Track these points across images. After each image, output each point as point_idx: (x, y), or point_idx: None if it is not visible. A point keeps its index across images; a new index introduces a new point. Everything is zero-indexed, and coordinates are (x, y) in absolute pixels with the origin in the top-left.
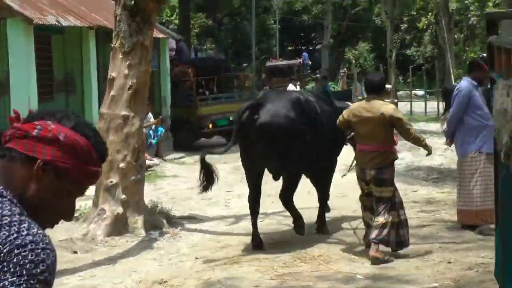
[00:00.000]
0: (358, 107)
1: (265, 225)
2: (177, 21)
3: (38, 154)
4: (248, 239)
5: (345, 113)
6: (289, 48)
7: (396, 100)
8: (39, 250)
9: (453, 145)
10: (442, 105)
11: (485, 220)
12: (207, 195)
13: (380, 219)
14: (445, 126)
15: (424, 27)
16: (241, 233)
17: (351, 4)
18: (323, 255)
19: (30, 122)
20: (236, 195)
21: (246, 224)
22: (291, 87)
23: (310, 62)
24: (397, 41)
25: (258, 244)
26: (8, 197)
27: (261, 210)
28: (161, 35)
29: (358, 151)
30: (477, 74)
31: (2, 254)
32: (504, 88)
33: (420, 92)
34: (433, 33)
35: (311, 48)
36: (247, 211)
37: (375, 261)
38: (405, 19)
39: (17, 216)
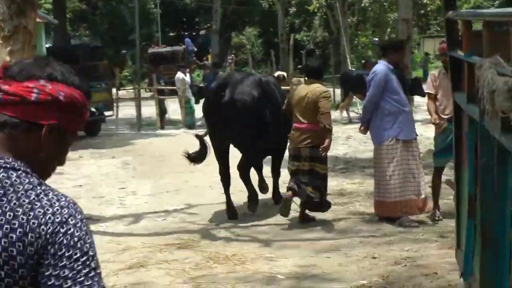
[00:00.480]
0: (298, 89)
1: (168, 223)
2: (47, 5)
3: (43, 119)
4: (152, 239)
5: (290, 94)
6: (171, 34)
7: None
8: (79, 222)
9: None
10: (339, 92)
11: (405, 212)
12: (98, 193)
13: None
14: (344, 113)
15: (316, 10)
16: (143, 233)
17: None
18: (237, 254)
19: (17, 81)
20: (130, 192)
21: (146, 224)
22: (179, 75)
23: (195, 49)
24: (287, 25)
25: (233, 214)
26: (22, 168)
27: (162, 207)
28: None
29: (294, 129)
30: (393, 57)
31: (47, 236)
32: (491, 67)
33: None
34: (323, 16)
35: (194, 33)
36: (145, 209)
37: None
38: (293, 2)
39: (38, 187)
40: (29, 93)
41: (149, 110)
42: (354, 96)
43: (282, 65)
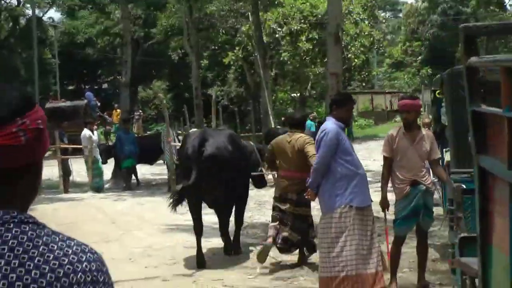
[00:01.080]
0: (282, 139)
1: None
2: None
3: (37, 156)
4: None
5: (272, 145)
6: (70, 87)
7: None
8: (106, 278)
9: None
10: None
11: None
12: None
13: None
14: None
15: (231, 62)
16: None
17: (143, 37)
18: None
19: None
20: None
21: None
22: (86, 132)
23: (99, 103)
24: (199, 78)
25: (201, 262)
26: (31, 220)
27: None
28: None
29: (282, 177)
30: (341, 113)
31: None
32: None
33: None
34: (238, 70)
35: (96, 87)
36: None
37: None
38: (205, 54)
39: (55, 237)
40: (17, 138)
41: (49, 171)
42: None
43: (197, 121)
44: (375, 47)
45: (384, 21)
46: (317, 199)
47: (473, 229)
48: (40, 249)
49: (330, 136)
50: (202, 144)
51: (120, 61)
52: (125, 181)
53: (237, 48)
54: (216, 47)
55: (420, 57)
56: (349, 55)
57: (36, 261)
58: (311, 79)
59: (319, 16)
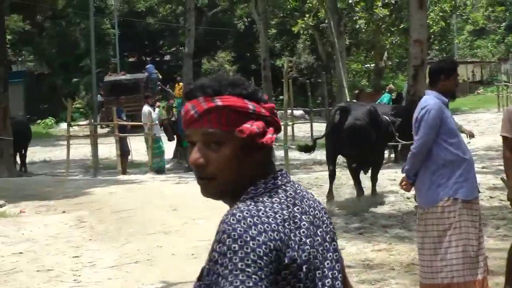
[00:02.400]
0: None
1: None
2: None
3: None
4: None
5: None
6: (131, 59)
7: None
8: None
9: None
10: None
11: None
12: (44, 264)
13: None
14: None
15: (301, 31)
16: None
17: (207, 5)
18: None
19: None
20: (87, 264)
21: None
22: (146, 108)
23: (160, 76)
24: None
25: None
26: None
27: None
28: None
29: None
30: (446, 85)
31: None
32: None
33: (298, 112)
34: (307, 40)
35: (158, 59)
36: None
37: None
38: (273, 22)
39: None
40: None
41: (107, 149)
42: None
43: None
44: (457, 12)
45: None
46: (413, 190)
47: None
48: None
49: (433, 114)
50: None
51: (183, 31)
52: (187, 161)
53: (307, 15)
54: (285, 15)
55: (504, 24)
56: (428, 21)
57: None
58: (387, 49)
59: None
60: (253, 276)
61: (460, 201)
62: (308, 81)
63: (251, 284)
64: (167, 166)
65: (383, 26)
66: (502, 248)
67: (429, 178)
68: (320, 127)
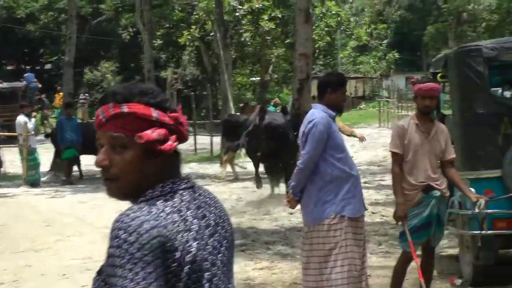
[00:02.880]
0: None
1: None
2: None
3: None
4: None
5: None
6: (9, 67)
7: None
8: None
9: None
10: (219, 140)
11: None
12: None
13: None
14: (229, 168)
15: (187, 43)
16: None
17: (91, 13)
18: None
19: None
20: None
21: None
22: (21, 118)
23: (40, 85)
24: (151, 60)
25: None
26: None
27: None
28: None
29: None
30: (335, 98)
31: None
32: None
33: None
34: (193, 51)
35: (38, 67)
36: None
37: None
38: (159, 33)
39: None
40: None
41: None
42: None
43: None
44: (342, 28)
45: (351, 0)
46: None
47: None
48: None
49: (320, 128)
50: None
51: (64, 39)
52: (65, 174)
53: (193, 27)
54: (171, 26)
55: (385, 41)
56: (313, 36)
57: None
58: (273, 62)
59: None
60: (151, 264)
61: (346, 219)
62: (193, 93)
63: (151, 270)
64: (43, 179)
65: (269, 39)
66: (385, 265)
67: (315, 195)
68: (204, 140)
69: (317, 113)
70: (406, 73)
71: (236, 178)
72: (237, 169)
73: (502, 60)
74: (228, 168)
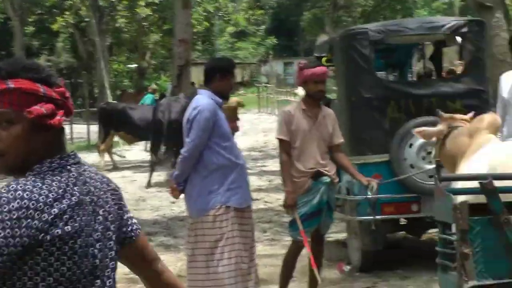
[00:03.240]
0: None
1: None
2: None
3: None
4: None
5: None
6: None
7: None
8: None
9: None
10: (96, 129)
11: None
12: None
13: None
14: (107, 157)
15: (61, 29)
16: None
17: None
18: None
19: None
20: None
21: None
22: None
23: None
24: (23, 47)
25: None
26: None
27: None
28: None
29: None
30: (222, 85)
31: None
32: None
33: None
34: (69, 38)
35: None
36: None
37: None
38: (30, 19)
39: None
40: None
41: None
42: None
43: None
44: (220, 14)
45: None
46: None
47: (487, 274)
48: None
49: (205, 115)
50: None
51: None
52: None
53: (67, 12)
54: (43, 12)
55: (263, 26)
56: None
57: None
58: (150, 49)
59: None
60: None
61: (232, 209)
62: (68, 81)
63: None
64: None
65: (145, 25)
66: (272, 254)
67: (200, 184)
68: (81, 129)
69: (202, 99)
70: (284, 58)
71: (114, 167)
72: (116, 157)
73: (388, 43)
74: (107, 157)
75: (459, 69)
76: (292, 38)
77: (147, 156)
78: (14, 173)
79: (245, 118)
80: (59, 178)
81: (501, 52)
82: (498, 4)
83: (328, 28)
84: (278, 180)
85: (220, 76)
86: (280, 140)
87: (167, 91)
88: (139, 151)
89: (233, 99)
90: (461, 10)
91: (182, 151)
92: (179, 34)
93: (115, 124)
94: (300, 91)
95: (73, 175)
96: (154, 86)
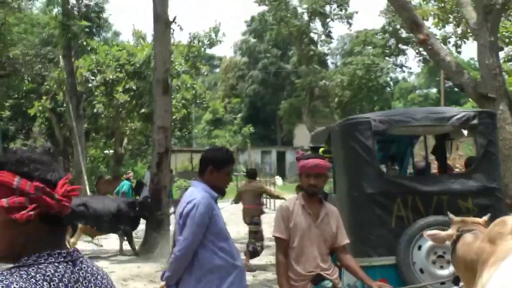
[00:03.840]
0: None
1: None
2: None
3: None
4: None
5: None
6: None
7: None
8: None
9: None
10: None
11: None
12: None
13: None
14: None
15: (38, 114)
16: None
17: None
18: None
19: None
20: None
21: None
22: None
23: None
24: None
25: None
26: None
27: None
28: None
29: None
30: (218, 177)
31: None
32: None
33: None
34: (44, 122)
35: None
36: None
37: None
38: (7, 104)
39: None
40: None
41: None
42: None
43: None
44: (198, 101)
45: (206, 74)
46: None
47: None
48: None
49: (200, 211)
50: None
51: None
52: None
53: (44, 97)
54: (20, 96)
55: (240, 114)
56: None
57: None
58: (128, 135)
59: (137, 65)
60: None
61: None
62: None
63: None
64: None
65: (123, 111)
66: None
67: (194, 287)
68: None
69: (197, 192)
70: (262, 147)
71: (89, 257)
72: (93, 247)
73: (391, 134)
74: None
75: (457, 163)
76: (269, 127)
77: (125, 245)
78: (6, 260)
79: (225, 208)
80: (42, 273)
81: (507, 147)
82: (502, 95)
83: (305, 117)
84: (263, 276)
85: (214, 169)
86: (277, 238)
87: (144, 178)
88: (116, 240)
89: (259, 185)
90: (436, 101)
91: (175, 250)
92: (159, 121)
93: (88, 218)
94: (280, 180)
95: (60, 271)
96: (131, 173)
